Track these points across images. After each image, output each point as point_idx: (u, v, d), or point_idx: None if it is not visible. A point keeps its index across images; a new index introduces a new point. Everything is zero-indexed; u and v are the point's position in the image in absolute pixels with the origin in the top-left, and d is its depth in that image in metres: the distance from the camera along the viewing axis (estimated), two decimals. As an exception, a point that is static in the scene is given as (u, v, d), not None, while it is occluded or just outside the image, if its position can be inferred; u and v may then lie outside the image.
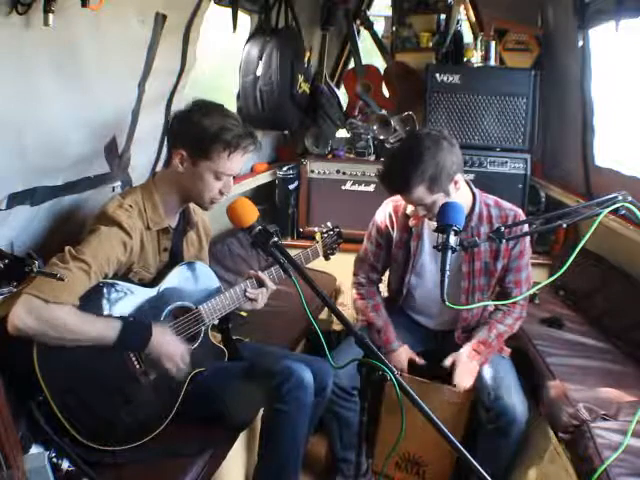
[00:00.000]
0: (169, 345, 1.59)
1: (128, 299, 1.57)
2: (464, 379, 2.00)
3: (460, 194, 1.92)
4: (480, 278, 2.06)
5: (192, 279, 1.75)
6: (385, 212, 2.16)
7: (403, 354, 2.12)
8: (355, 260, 2.30)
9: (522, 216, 2.03)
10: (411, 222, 2.08)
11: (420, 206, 1.91)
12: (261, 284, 1.81)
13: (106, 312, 1.53)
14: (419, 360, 2.12)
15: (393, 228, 2.13)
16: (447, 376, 2.05)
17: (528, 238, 2.06)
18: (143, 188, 1.70)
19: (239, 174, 1.79)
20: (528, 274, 2.07)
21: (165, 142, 1.80)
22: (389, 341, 2.12)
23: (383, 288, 2.34)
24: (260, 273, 1.82)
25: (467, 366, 2.01)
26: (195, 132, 1.60)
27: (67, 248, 1.47)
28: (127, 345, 1.52)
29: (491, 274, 2.05)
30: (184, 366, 1.62)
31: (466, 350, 2.03)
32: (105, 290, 1.53)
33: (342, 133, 3.36)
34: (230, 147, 1.61)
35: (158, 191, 1.68)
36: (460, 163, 1.90)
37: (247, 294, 1.79)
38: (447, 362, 2.04)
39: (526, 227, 1.93)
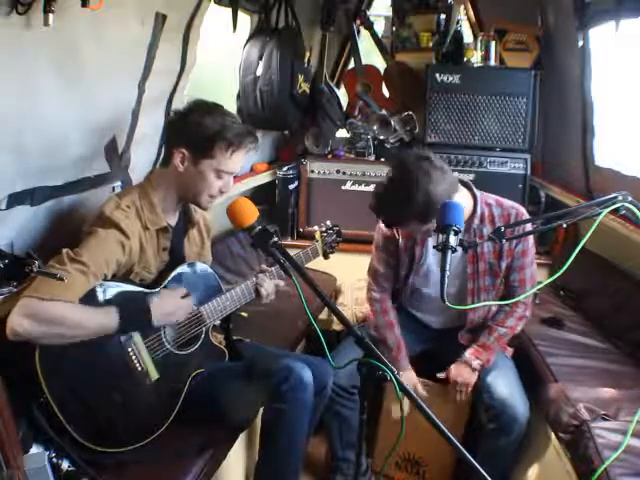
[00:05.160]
0: (170, 305, 1.61)
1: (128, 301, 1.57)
2: (457, 396, 2.02)
3: None
4: (485, 279, 2.06)
5: (193, 280, 1.75)
6: None
7: (410, 377, 2.09)
8: (367, 273, 2.26)
9: (524, 213, 2.03)
10: None
11: (415, 233, 1.96)
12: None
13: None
14: (422, 391, 2.09)
15: (398, 233, 2.12)
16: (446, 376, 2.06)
17: (531, 236, 2.05)
18: (140, 188, 1.70)
19: (239, 173, 1.79)
20: (532, 273, 2.07)
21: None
22: (397, 360, 2.09)
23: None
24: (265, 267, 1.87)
25: (462, 378, 2.01)
26: (197, 131, 1.61)
27: (65, 250, 1.46)
28: (131, 326, 1.52)
29: (496, 274, 2.05)
30: (193, 308, 1.68)
31: (464, 359, 2.03)
32: (104, 291, 1.53)
33: (342, 133, 3.35)
34: (233, 145, 1.62)
35: (155, 191, 1.68)
36: (452, 186, 1.87)
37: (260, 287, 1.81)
38: (442, 375, 2.06)
39: (527, 226, 1.93)
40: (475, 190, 2.02)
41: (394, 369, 1.15)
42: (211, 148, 1.61)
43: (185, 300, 1.67)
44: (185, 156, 1.63)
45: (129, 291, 1.58)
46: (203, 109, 1.64)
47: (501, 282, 2.08)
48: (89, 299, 1.48)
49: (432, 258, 2.08)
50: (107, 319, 1.48)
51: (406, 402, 1.19)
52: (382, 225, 2.16)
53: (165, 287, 1.66)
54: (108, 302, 1.52)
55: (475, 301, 2.08)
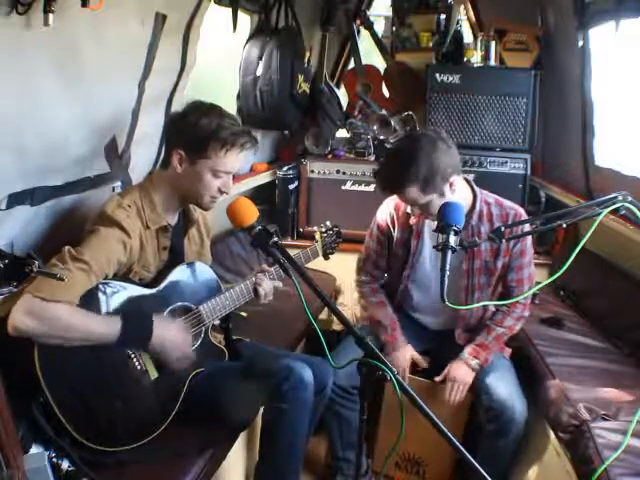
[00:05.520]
0: (172, 334, 1.59)
1: (128, 300, 1.57)
2: (453, 395, 2.01)
3: (457, 194, 1.91)
4: (480, 277, 2.06)
5: (192, 279, 1.75)
6: (386, 210, 2.17)
7: (407, 353, 2.10)
8: (358, 260, 2.30)
9: (523, 214, 2.03)
10: (412, 220, 2.08)
11: (415, 206, 1.93)
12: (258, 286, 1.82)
13: (105, 313, 1.52)
14: (422, 362, 2.10)
15: (394, 226, 2.13)
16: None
17: (529, 237, 2.05)
18: (141, 187, 1.70)
19: (238, 172, 1.79)
20: (530, 273, 2.07)
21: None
22: (395, 338, 2.11)
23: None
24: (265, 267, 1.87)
25: (459, 376, 2.01)
26: (192, 131, 1.61)
27: (66, 248, 1.46)
28: (130, 341, 1.51)
29: (491, 273, 2.05)
30: (190, 354, 1.63)
31: (462, 358, 2.03)
32: (105, 291, 1.53)
33: (342, 133, 3.36)
34: (227, 144, 1.62)
35: (156, 191, 1.68)
36: (456, 164, 1.90)
37: (259, 287, 1.80)
38: (438, 378, 2.06)
39: (527, 227, 1.93)
40: (475, 187, 2.03)
41: (394, 369, 1.15)
42: (205, 148, 1.61)
43: (189, 341, 1.65)
44: (182, 157, 1.64)
45: (136, 299, 1.58)
46: (201, 110, 1.64)
47: (497, 281, 2.08)
48: (93, 302, 1.48)
49: (427, 252, 2.09)
50: (109, 328, 1.47)
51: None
52: (378, 217, 2.18)
53: (165, 287, 1.66)
54: (115, 310, 1.52)
55: (468, 298, 2.08)
